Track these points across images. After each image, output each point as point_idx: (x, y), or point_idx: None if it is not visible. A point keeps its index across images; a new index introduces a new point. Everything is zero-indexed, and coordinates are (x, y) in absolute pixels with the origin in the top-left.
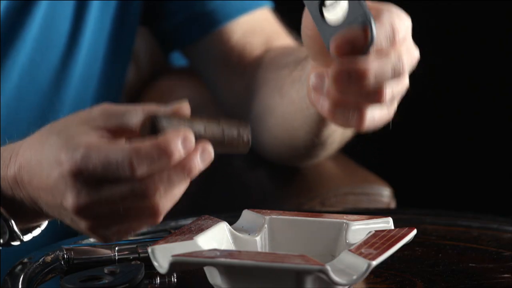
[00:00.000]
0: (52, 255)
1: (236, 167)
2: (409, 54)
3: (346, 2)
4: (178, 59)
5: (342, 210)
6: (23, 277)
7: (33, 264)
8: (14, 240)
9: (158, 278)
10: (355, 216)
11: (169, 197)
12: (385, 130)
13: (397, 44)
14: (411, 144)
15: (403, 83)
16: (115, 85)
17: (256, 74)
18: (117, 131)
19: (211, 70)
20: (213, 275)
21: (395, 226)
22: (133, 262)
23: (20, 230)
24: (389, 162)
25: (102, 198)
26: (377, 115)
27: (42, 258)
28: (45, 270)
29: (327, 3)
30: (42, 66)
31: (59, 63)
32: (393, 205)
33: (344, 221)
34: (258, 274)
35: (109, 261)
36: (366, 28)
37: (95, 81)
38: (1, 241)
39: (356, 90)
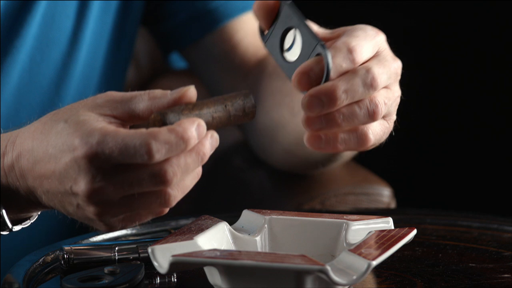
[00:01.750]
0: (52, 255)
1: (236, 167)
2: (382, 65)
3: (300, 39)
4: (177, 61)
5: (342, 210)
6: (23, 277)
7: (33, 264)
8: (3, 229)
9: (158, 278)
10: (355, 216)
11: (181, 186)
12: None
13: (358, 62)
14: (411, 144)
15: (393, 92)
16: (115, 85)
17: (261, 81)
18: (124, 118)
19: (213, 71)
20: (213, 275)
21: (395, 226)
22: (133, 262)
23: (11, 220)
24: (389, 162)
25: (117, 182)
26: (379, 130)
27: (42, 258)
28: (45, 270)
29: (286, 44)
30: (43, 65)
31: (59, 62)
32: (393, 205)
33: (344, 221)
34: (258, 274)
35: (109, 261)
36: (320, 57)
37: (95, 80)
38: None
39: (333, 112)
